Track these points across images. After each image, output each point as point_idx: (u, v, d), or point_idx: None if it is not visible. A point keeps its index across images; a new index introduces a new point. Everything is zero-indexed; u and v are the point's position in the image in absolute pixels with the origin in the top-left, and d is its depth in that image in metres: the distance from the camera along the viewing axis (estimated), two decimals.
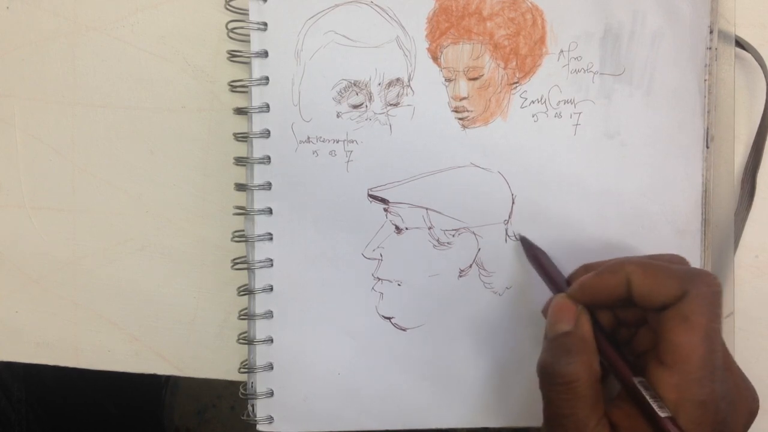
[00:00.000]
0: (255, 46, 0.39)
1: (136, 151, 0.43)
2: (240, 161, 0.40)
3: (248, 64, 0.40)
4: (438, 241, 0.40)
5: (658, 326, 0.32)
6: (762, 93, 0.41)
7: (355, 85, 0.40)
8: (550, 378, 0.32)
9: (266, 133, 0.40)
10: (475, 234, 0.40)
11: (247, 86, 0.40)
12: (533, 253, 0.39)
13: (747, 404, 0.32)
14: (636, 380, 0.32)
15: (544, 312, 0.36)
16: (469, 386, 0.42)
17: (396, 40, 0.39)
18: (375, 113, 0.40)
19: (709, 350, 0.30)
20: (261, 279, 0.41)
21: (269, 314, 0.41)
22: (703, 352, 0.30)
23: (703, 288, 0.31)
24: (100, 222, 0.44)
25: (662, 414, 0.30)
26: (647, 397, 0.31)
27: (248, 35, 0.39)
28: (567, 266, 0.40)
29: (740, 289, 0.42)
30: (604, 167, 0.40)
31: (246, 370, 0.41)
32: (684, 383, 0.30)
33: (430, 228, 0.40)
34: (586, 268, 0.36)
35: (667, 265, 0.33)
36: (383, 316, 0.41)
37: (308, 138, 0.40)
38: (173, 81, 0.43)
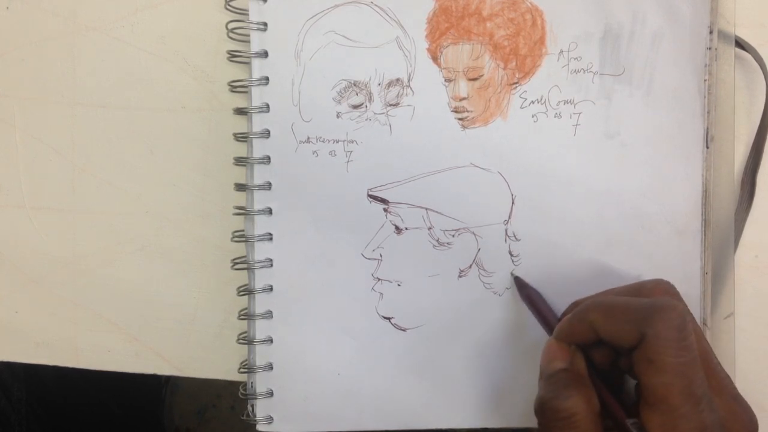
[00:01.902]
0: (255, 47, 0.39)
1: (135, 151, 0.43)
2: (240, 161, 0.40)
3: (248, 64, 0.40)
4: (438, 241, 0.40)
5: (633, 368, 0.32)
6: (762, 93, 0.41)
7: (355, 85, 0.40)
8: (549, 414, 0.32)
9: (266, 133, 0.40)
10: (474, 234, 0.40)
11: (247, 86, 0.40)
12: (526, 293, 0.39)
13: (744, 428, 0.32)
14: (629, 422, 0.32)
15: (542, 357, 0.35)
16: (469, 386, 0.42)
17: (396, 40, 0.39)
18: (375, 113, 0.40)
19: (686, 384, 0.30)
20: (261, 279, 0.41)
21: (269, 314, 0.41)
22: (679, 388, 0.30)
23: (660, 326, 0.30)
24: (99, 222, 0.44)
25: None
26: None
27: (248, 35, 0.39)
28: (567, 267, 0.40)
29: (740, 289, 0.42)
30: (604, 167, 0.40)
31: (246, 370, 0.41)
32: (670, 422, 0.30)
33: (429, 228, 0.40)
34: (575, 305, 0.36)
35: (626, 307, 0.32)
36: (383, 316, 0.41)
37: (308, 138, 0.40)
38: (173, 81, 0.43)
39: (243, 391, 0.42)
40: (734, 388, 0.33)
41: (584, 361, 0.34)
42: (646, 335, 0.30)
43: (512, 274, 0.40)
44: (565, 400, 0.31)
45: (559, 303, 0.40)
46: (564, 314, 0.37)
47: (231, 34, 0.41)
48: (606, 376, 0.34)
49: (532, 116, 0.40)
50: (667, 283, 0.35)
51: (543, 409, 0.32)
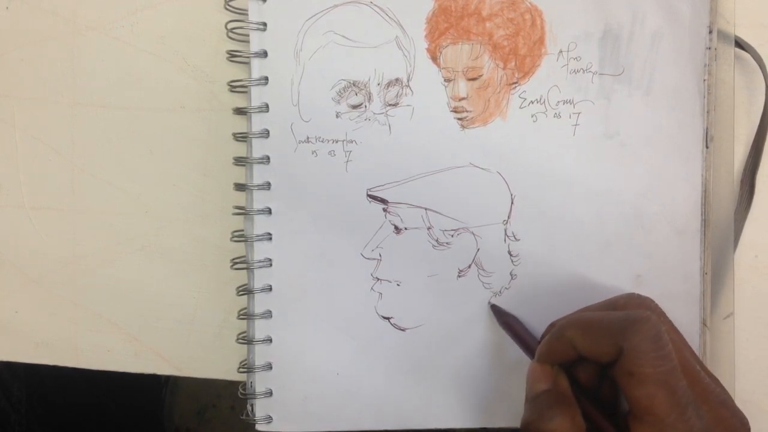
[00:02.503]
0: (254, 46, 0.39)
1: (135, 151, 0.43)
2: (239, 161, 0.40)
3: (248, 64, 0.40)
4: (437, 241, 0.40)
5: (614, 381, 0.32)
6: (761, 93, 0.41)
7: (354, 85, 0.40)
8: None
9: (265, 133, 0.40)
10: (474, 234, 0.40)
11: (246, 86, 0.40)
12: (505, 320, 0.39)
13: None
14: None
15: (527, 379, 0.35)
16: (468, 386, 0.41)
17: (395, 40, 0.39)
18: (374, 113, 0.40)
19: (668, 393, 0.30)
20: (260, 279, 0.41)
21: (268, 314, 0.41)
22: (662, 397, 0.30)
23: (636, 338, 0.30)
24: (99, 222, 0.44)
25: None
26: None
27: (248, 35, 0.40)
28: (566, 267, 0.40)
29: (740, 289, 0.42)
30: (604, 167, 0.40)
31: (245, 370, 0.41)
32: None
33: (429, 228, 0.40)
34: (552, 326, 0.36)
35: (601, 321, 0.32)
36: (382, 316, 0.41)
37: (307, 138, 0.40)
38: (173, 81, 0.43)
39: (242, 391, 0.42)
40: (722, 392, 0.33)
41: (567, 380, 0.34)
42: (623, 349, 0.31)
43: (489, 303, 0.41)
44: (549, 421, 0.32)
45: (559, 303, 0.40)
46: (543, 336, 0.37)
47: (230, 34, 0.41)
48: (594, 393, 0.34)
49: (532, 116, 0.40)
50: (640, 296, 0.35)
51: (528, 431, 0.32)
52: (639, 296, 0.35)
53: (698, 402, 0.31)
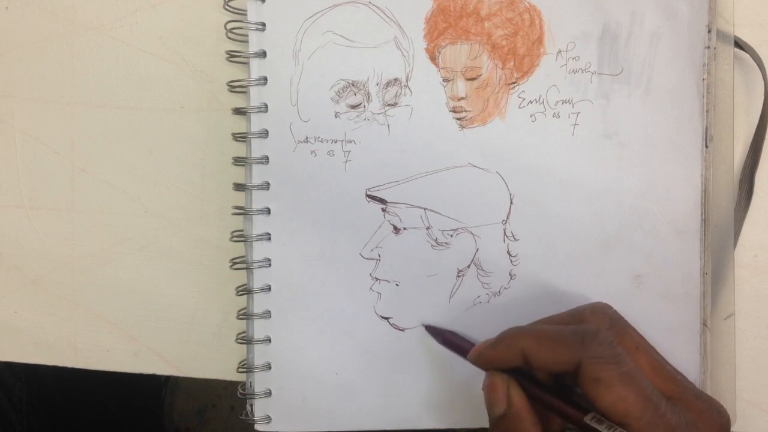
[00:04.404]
0: (253, 47, 0.39)
1: (135, 151, 0.43)
2: (238, 161, 0.40)
3: (247, 64, 0.40)
4: (436, 241, 0.40)
5: (579, 388, 0.32)
6: (760, 93, 0.41)
7: (353, 85, 0.40)
8: None
9: (264, 133, 0.40)
10: (473, 234, 0.40)
11: (245, 86, 0.40)
12: (443, 338, 0.39)
13: (715, 422, 0.32)
14: (587, 417, 0.32)
15: (483, 391, 0.36)
16: (467, 386, 0.41)
17: (394, 40, 0.39)
18: (373, 113, 0.40)
19: (638, 391, 0.31)
20: (259, 279, 0.41)
21: (267, 314, 0.41)
22: (634, 395, 0.30)
23: (594, 346, 0.32)
24: (98, 222, 0.44)
25: None
26: (604, 430, 0.31)
27: (247, 35, 0.40)
28: (565, 267, 0.40)
29: (739, 289, 0.42)
30: (603, 167, 0.40)
31: (244, 370, 0.41)
32: None
33: (428, 228, 0.40)
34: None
35: (558, 334, 0.33)
36: (381, 316, 0.41)
37: (306, 138, 0.40)
38: (172, 81, 0.43)
39: (241, 391, 0.42)
40: (695, 387, 0.34)
41: (520, 393, 0.34)
42: (582, 358, 0.31)
43: (423, 325, 0.41)
44: None
45: (558, 303, 0.40)
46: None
47: (230, 34, 0.41)
48: (549, 387, 0.35)
49: (531, 116, 0.40)
50: (604, 304, 0.36)
51: None
52: (604, 304, 0.36)
53: (675, 399, 0.32)
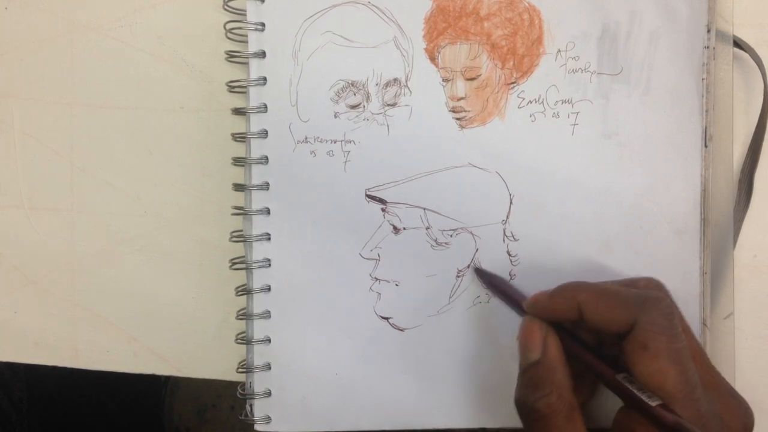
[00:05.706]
0: (253, 47, 0.39)
1: (134, 152, 0.43)
2: (238, 161, 0.40)
3: (246, 64, 0.40)
4: (436, 241, 0.40)
5: (622, 356, 0.32)
6: (759, 92, 0.41)
7: (352, 85, 0.40)
8: (525, 414, 0.33)
9: (264, 134, 0.40)
10: (472, 234, 0.40)
11: (245, 86, 0.40)
12: (490, 281, 0.39)
13: (740, 420, 0.32)
14: (619, 377, 0.32)
15: (519, 339, 0.36)
16: (467, 387, 0.41)
17: (393, 40, 0.39)
18: (372, 113, 0.40)
19: (681, 370, 0.30)
20: (259, 279, 0.41)
21: (267, 314, 0.41)
22: (674, 374, 0.30)
23: (654, 313, 0.31)
24: (98, 222, 0.44)
25: (653, 403, 0.30)
26: (634, 390, 0.31)
27: (246, 35, 0.40)
28: (565, 267, 0.40)
29: (739, 289, 0.42)
30: (602, 167, 0.40)
31: (244, 370, 0.41)
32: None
33: (427, 228, 0.40)
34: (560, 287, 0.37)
35: (618, 293, 0.33)
36: (381, 316, 0.41)
37: (306, 138, 0.40)
38: (171, 81, 0.43)
39: (241, 391, 0.42)
40: (728, 384, 0.34)
41: (556, 343, 0.34)
42: (638, 321, 0.31)
43: (474, 267, 0.40)
44: (538, 402, 0.32)
45: None
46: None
47: (229, 35, 0.41)
48: (584, 344, 0.35)
49: (530, 116, 0.40)
50: (658, 281, 0.36)
51: (519, 407, 0.33)
52: (658, 281, 0.36)
53: (708, 389, 0.32)
